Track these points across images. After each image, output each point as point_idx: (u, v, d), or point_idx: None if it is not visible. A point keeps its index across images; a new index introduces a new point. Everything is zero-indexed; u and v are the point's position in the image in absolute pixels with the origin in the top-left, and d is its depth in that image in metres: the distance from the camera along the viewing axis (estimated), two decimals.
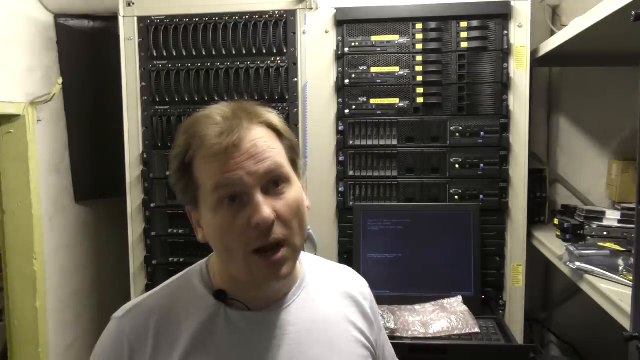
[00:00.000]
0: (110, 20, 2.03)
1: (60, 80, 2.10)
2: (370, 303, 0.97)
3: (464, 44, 1.75)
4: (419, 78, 1.78)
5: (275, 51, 1.81)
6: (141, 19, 1.85)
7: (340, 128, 1.81)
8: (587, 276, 1.33)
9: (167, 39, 1.84)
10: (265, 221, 0.74)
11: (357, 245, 1.76)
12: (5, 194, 1.98)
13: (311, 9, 1.80)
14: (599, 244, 1.54)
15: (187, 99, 1.85)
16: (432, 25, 1.76)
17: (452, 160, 1.78)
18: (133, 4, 1.85)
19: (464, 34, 1.75)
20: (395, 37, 1.78)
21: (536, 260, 1.85)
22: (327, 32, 1.80)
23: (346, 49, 1.79)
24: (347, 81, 1.79)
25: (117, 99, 1.88)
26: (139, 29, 1.85)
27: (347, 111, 1.80)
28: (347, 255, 1.80)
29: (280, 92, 1.81)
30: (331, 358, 0.84)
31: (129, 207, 1.89)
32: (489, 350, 1.47)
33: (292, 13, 1.80)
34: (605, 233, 1.61)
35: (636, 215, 0.97)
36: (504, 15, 1.73)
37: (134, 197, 1.88)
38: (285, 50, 1.81)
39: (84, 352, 2.27)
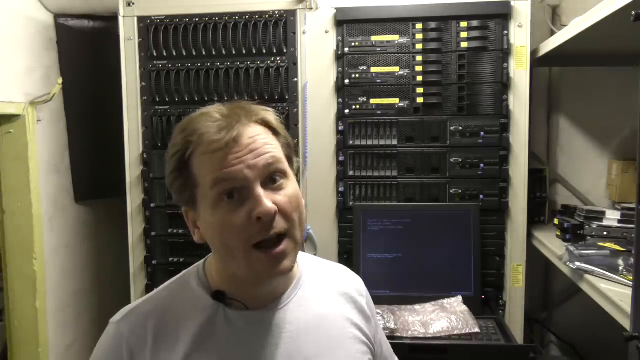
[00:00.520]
0: (110, 20, 2.03)
1: (60, 80, 2.10)
2: (367, 299, 0.98)
3: (464, 44, 1.76)
4: (419, 78, 1.78)
5: (275, 51, 1.81)
6: (141, 19, 1.85)
7: (340, 128, 1.81)
8: (587, 276, 1.33)
9: (167, 39, 1.84)
10: (267, 213, 0.74)
11: (357, 245, 1.76)
12: (5, 194, 1.98)
13: (311, 9, 1.80)
14: (599, 244, 1.54)
15: (187, 99, 1.85)
16: (432, 25, 1.76)
17: (452, 160, 1.78)
18: (133, 4, 1.85)
19: (464, 34, 1.75)
20: (395, 37, 1.78)
21: (536, 260, 1.85)
22: (327, 32, 1.80)
23: (346, 49, 1.79)
24: (347, 81, 1.79)
25: (117, 99, 1.88)
26: (139, 29, 1.85)
27: (347, 111, 1.80)
28: (347, 255, 1.80)
29: (280, 92, 1.81)
30: (329, 355, 0.85)
31: (129, 207, 1.89)
32: (489, 350, 1.47)
33: (292, 13, 1.80)
34: (605, 233, 1.61)
35: (636, 215, 0.97)
36: (504, 15, 1.73)
37: (134, 197, 1.88)
38: (285, 50, 1.81)
39: (84, 352, 2.27)
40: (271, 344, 0.83)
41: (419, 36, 1.77)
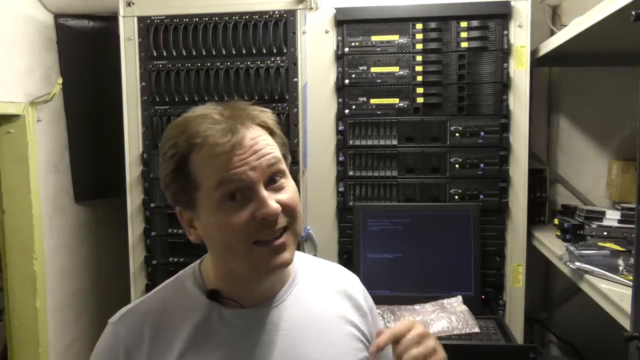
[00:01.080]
0: (110, 20, 2.03)
1: (60, 80, 2.10)
2: (363, 294, 0.99)
3: (464, 44, 1.75)
4: (419, 78, 1.78)
5: (275, 51, 1.81)
6: (141, 19, 1.85)
7: (340, 128, 1.81)
8: (587, 276, 1.33)
9: (167, 39, 1.84)
10: (272, 214, 0.77)
11: (357, 245, 1.76)
12: (5, 194, 1.98)
13: (311, 9, 1.80)
14: (599, 244, 1.54)
15: (187, 99, 1.84)
16: (432, 25, 1.76)
17: (452, 160, 1.78)
18: (133, 4, 1.85)
19: (464, 34, 1.75)
20: (395, 37, 1.78)
21: (536, 260, 1.85)
22: (327, 32, 1.80)
23: (346, 49, 1.79)
24: (347, 81, 1.79)
25: (117, 99, 1.88)
26: (138, 29, 1.85)
27: (347, 111, 1.80)
28: (347, 255, 1.80)
29: (280, 92, 1.81)
30: (324, 353, 0.86)
31: (129, 207, 1.89)
32: (489, 350, 1.47)
33: (292, 13, 1.80)
34: (605, 233, 1.61)
35: (636, 215, 0.97)
36: (504, 15, 1.73)
37: (133, 197, 1.88)
38: (285, 50, 1.81)
39: (84, 352, 2.27)
40: (266, 342, 0.83)
41: (419, 36, 1.77)
